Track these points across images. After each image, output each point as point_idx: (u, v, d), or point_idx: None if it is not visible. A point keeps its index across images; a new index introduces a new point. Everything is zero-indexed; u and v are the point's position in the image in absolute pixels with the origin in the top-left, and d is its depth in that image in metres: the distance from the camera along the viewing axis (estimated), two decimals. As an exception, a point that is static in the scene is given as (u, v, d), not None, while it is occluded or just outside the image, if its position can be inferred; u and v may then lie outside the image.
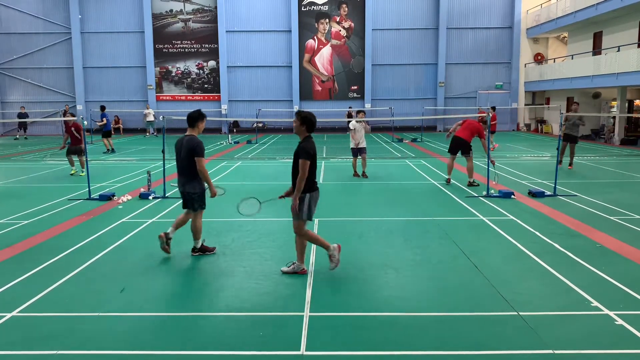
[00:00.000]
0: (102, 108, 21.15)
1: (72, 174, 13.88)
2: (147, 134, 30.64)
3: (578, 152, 19.49)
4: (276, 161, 17.60)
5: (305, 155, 5.71)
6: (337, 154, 19.00)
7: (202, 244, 6.88)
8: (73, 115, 14.26)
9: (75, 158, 14.18)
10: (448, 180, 12.41)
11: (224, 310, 5.08)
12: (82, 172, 14.11)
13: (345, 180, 13.00)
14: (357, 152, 13.35)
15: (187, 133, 6.71)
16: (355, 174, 13.47)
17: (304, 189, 5.80)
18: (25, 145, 24.59)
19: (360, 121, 13.29)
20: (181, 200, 6.69)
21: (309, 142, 5.83)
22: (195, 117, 6.68)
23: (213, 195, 6.72)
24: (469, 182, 12.03)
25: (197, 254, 6.82)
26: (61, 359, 4.16)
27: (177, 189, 6.78)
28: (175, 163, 6.89)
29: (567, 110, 27.43)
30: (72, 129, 13.79)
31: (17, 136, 28.97)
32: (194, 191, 6.66)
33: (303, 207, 5.86)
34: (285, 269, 6.13)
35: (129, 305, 5.18)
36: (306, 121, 5.86)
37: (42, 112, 32.28)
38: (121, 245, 7.30)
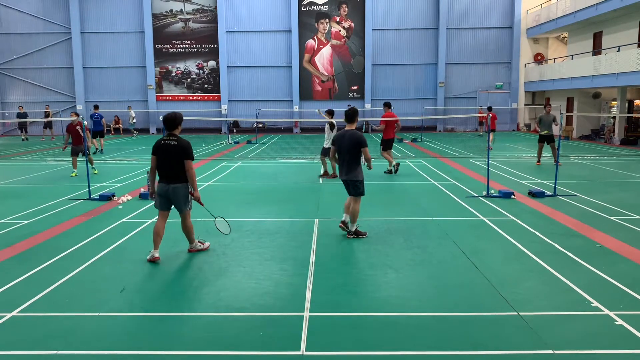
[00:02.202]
0: (96, 107, 20.96)
1: (72, 176, 13.82)
2: (135, 134, 30.17)
3: (578, 151, 19.53)
4: (276, 161, 17.60)
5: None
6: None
7: (356, 228, 7.60)
8: (77, 115, 14.64)
9: (80, 158, 14.03)
10: (397, 167, 13.91)
11: (224, 310, 5.08)
12: (94, 169, 14.32)
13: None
14: (327, 151, 13.10)
15: (346, 128, 7.54)
16: (334, 174, 13.14)
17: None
18: (26, 145, 24.59)
19: (330, 121, 13.21)
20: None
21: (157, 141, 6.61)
22: (352, 114, 7.56)
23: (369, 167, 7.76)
24: (390, 169, 13.76)
25: (351, 237, 7.56)
26: (61, 359, 4.16)
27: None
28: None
29: (567, 110, 27.46)
30: (77, 127, 13.65)
31: (23, 138, 28.01)
32: (357, 179, 7.44)
33: None
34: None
35: (129, 305, 5.18)
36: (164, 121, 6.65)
37: (42, 113, 32.22)
38: (121, 245, 7.30)
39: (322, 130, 31.38)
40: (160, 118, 6.77)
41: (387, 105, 13.89)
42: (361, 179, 7.49)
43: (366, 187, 8.04)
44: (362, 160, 7.59)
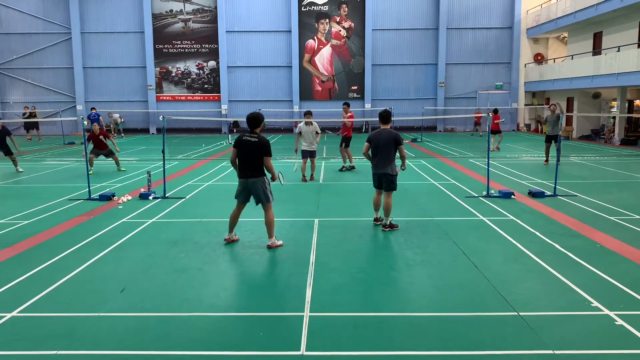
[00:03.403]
0: (93, 108, 21.21)
1: (91, 174, 13.76)
2: (122, 134, 30.47)
3: (578, 152, 19.53)
4: (276, 161, 17.60)
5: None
6: (337, 154, 18.99)
7: (390, 222, 7.96)
8: (94, 122, 15.56)
9: (103, 158, 15.11)
10: (352, 167, 14.76)
11: (224, 310, 5.08)
12: (121, 168, 15.02)
13: (345, 180, 13.01)
14: (308, 154, 12.77)
15: (381, 127, 8.02)
16: (304, 179, 12.72)
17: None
18: (26, 145, 24.59)
19: (309, 122, 12.65)
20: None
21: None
22: (387, 115, 8.11)
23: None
24: (346, 166, 14.78)
25: (387, 229, 7.92)
26: (61, 359, 4.16)
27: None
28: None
29: (567, 110, 27.45)
30: (101, 136, 14.60)
31: (28, 138, 27.70)
32: (392, 173, 7.89)
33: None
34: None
35: (129, 305, 5.18)
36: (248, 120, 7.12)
37: (42, 112, 32.22)
38: (121, 245, 7.30)
39: (322, 130, 31.53)
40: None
41: (348, 105, 14.89)
42: (395, 173, 7.96)
43: (366, 187, 8.12)
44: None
